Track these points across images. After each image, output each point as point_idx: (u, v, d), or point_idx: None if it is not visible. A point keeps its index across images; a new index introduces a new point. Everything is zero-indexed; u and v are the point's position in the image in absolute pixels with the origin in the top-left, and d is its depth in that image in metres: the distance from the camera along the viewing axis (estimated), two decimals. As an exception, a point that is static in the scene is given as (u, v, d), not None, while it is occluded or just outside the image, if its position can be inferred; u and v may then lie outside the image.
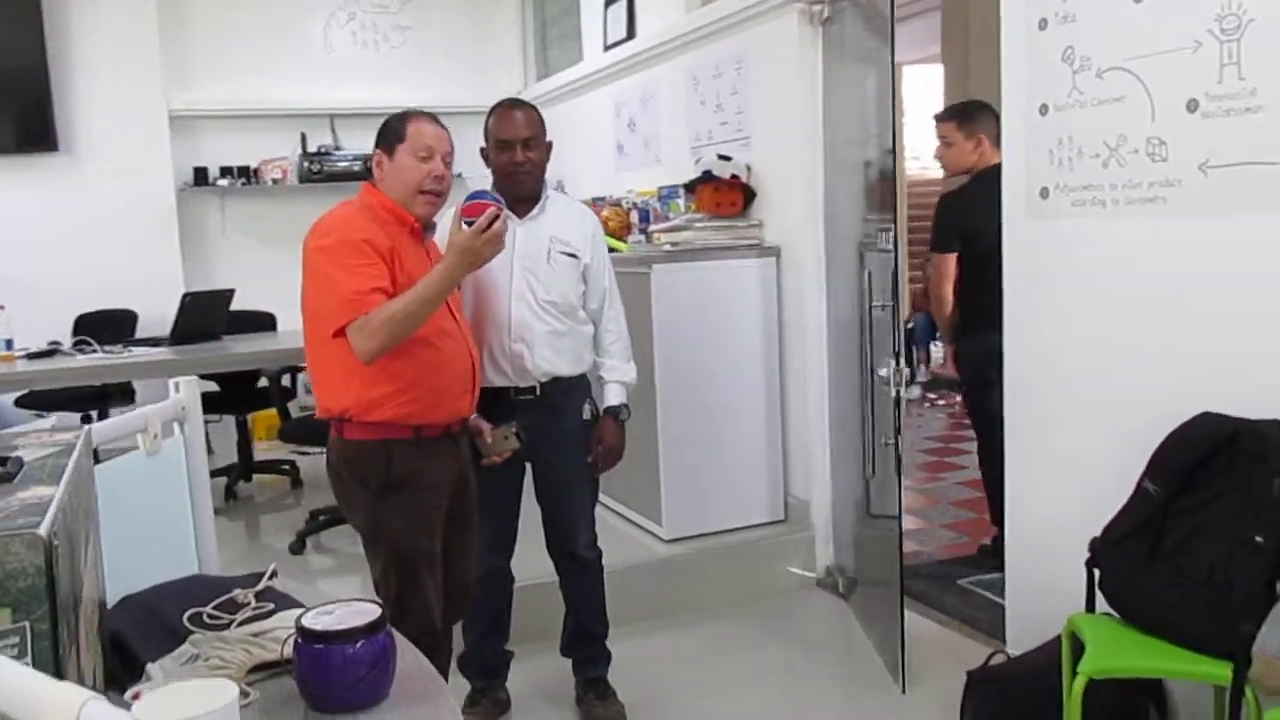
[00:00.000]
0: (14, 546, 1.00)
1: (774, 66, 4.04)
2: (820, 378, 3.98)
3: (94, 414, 5.02)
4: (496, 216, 2.32)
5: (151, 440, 1.97)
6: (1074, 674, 2.27)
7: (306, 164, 6.15)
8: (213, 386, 4.99)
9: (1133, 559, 2.36)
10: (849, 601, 3.83)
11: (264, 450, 5.97)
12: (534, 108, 2.82)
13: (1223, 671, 2.10)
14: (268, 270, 6.12)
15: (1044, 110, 2.80)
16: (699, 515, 4.02)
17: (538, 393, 2.74)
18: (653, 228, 4.32)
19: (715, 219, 4.14)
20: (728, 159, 4.16)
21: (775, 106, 4.06)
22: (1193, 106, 2.40)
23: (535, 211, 2.77)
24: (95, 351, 4.53)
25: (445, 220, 2.55)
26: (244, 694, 1.45)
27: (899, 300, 3.10)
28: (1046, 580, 2.88)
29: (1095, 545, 2.47)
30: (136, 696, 1.26)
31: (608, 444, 2.86)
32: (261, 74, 6.26)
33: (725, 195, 4.13)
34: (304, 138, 6.35)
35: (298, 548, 4.30)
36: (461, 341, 2.47)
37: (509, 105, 2.77)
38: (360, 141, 6.45)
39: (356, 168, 6.22)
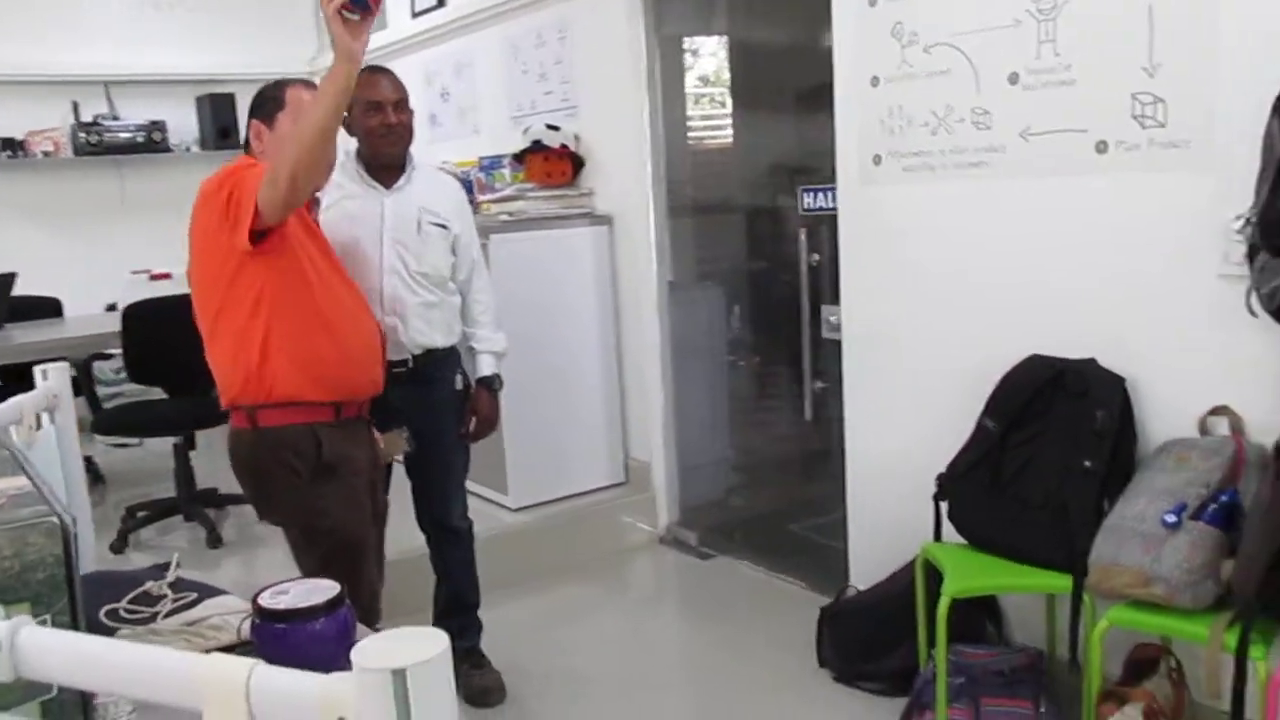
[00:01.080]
0: (32, 537, 0.95)
1: (600, 36, 4.09)
2: (655, 342, 4.10)
3: None
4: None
5: (27, 432, 1.83)
6: (935, 596, 2.49)
7: (83, 135, 5.69)
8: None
9: (977, 490, 2.61)
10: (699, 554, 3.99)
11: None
12: (395, 74, 2.77)
13: (1064, 583, 2.37)
14: (45, 251, 5.67)
15: (875, 82, 3.00)
16: (544, 483, 4.07)
17: (410, 365, 2.71)
18: (483, 198, 4.30)
19: (546, 188, 4.17)
20: (556, 129, 4.19)
21: (603, 76, 4.12)
22: (1014, 79, 2.65)
23: (402, 182, 2.72)
24: None
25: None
26: None
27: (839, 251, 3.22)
28: (887, 520, 3.12)
29: (942, 480, 2.70)
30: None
31: (483, 414, 2.87)
32: (24, 36, 5.72)
33: (555, 165, 4.16)
34: (76, 106, 5.87)
35: (119, 546, 4.04)
36: (365, 311, 2.42)
37: (373, 70, 2.70)
38: (141, 110, 6.04)
39: (140, 139, 5.82)
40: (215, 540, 4.11)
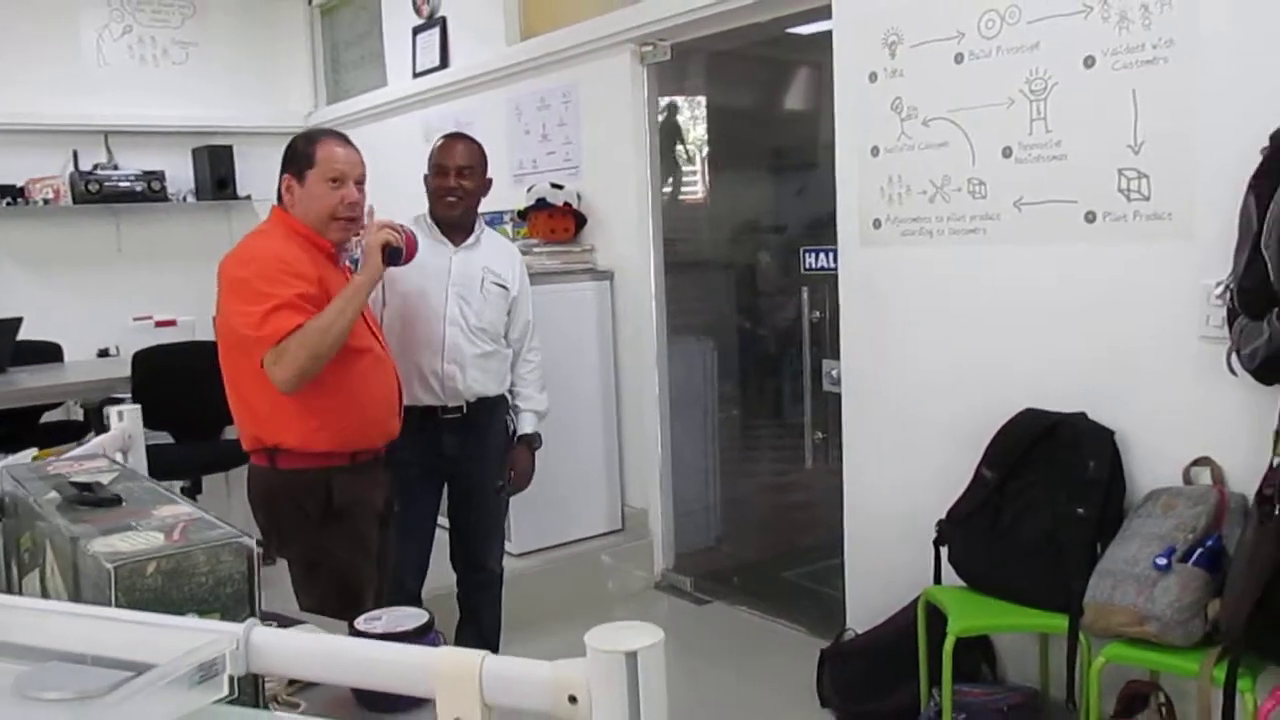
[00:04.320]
0: (224, 555, 1.07)
1: (604, 100, 4.29)
2: (654, 393, 4.25)
3: None
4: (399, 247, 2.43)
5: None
6: (937, 636, 2.64)
7: (83, 184, 5.78)
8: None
9: (977, 535, 2.77)
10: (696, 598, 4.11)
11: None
12: (478, 143, 2.94)
13: (1061, 622, 2.53)
14: (44, 297, 5.73)
15: (875, 152, 3.21)
16: (545, 529, 4.18)
17: (465, 411, 2.85)
18: (487, 253, 4.44)
19: (549, 244, 4.33)
20: (560, 187, 4.37)
21: (605, 138, 4.31)
22: (1007, 153, 2.86)
23: (471, 241, 2.89)
24: None
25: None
26: (293, 704, 1.52)
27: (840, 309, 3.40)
28: (884, 565, 3.27)
29: (942, 526, 2.86)
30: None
31: (520, 469, 3.02)
32: (26, 86, 5.82)
33: (559, 221, 4.33)
34: (76, 155, 5.96)
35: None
36: (387, 364, 2.53)
37: (453, 136, 2.90)
38: (138, 160, 6.13)
39: (139, 188, 5.91)
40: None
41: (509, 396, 3.07)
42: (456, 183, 2.85)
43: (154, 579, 1.04)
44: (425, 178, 2.92)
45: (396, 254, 2.44)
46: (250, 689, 1.11)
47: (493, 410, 2.95)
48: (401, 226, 2.48)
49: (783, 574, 4.26)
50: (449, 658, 0.81)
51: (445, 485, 2.97)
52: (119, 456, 2.06)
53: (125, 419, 2.07)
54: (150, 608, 1.03)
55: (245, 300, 2.29)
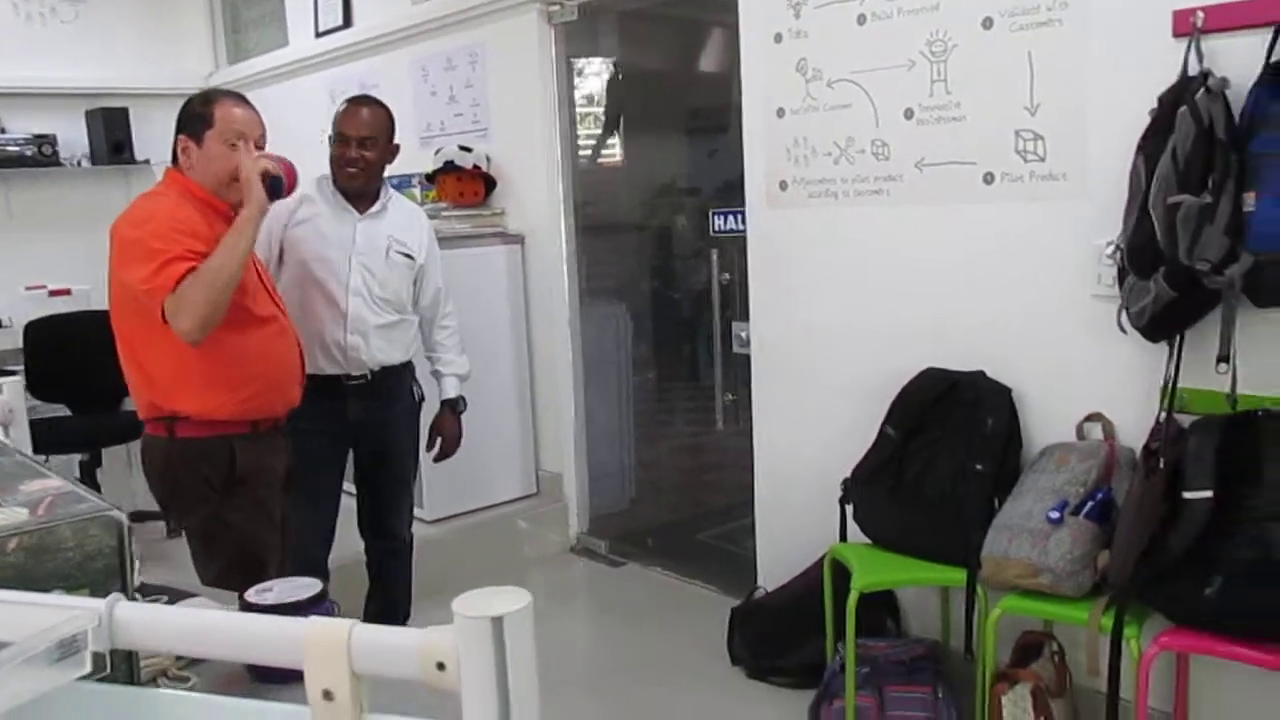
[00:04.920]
0: (92, 529, 1.04)
1: (511, 61, 4.22)
2: (567, 357, 4.23)
3: None
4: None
5: (-16, 444, 1.86)
6: (842, 593, 2.69)
7: (-34, 148, 5.53)
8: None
9: (880, 493, 2.83)
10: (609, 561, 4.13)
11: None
12: (384, 109, 2.85)
13: (960, 576, 2.59)
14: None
15: (780, 113, 3.22)
16: (458, 495, 4.15)
17: (369, 379, 2.80)
18: (395, 217, 4.36)
19: (459, 208, 4.27)
20: (468, 150, 4.30)
21: (514, 100, 4.25)
22: (909, 114, 2.89)
23: (376, 209, 2.82)
24: None
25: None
26: (182, 679, 1.49)
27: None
28: (793, 524, 3.32)
29: (847, 484, 2.91)
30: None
31: (448, 434, 2.99)
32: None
33: (468, 185, 4.27)
34: (-41, 118, 5.69)
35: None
36: (289, 332, 2.49)
37: (357, 101, 2.81)
38: (27, 123, 5.87)
39: (29, 152, 5.67)
40: (122, 559, 4.07)
41: (428, 363, 3.03)
42: (358, 153, 2.76)
43: (15, 555, 1.00)
44: (330, 138, 2.83)
45: (278, 184, 2.34)
46: (125, 665, 1.08)
47: (399, 376, 2.91)
48: (280, 158, 2.37)
49: (697, 535, 4.30)
50: (316, 628, 0.80)
51: (350, 452, 2.92)
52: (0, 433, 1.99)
53: (5, 391, 1.99)
54: (12, 585, 1.00)
55: (139, 259, 2.23)
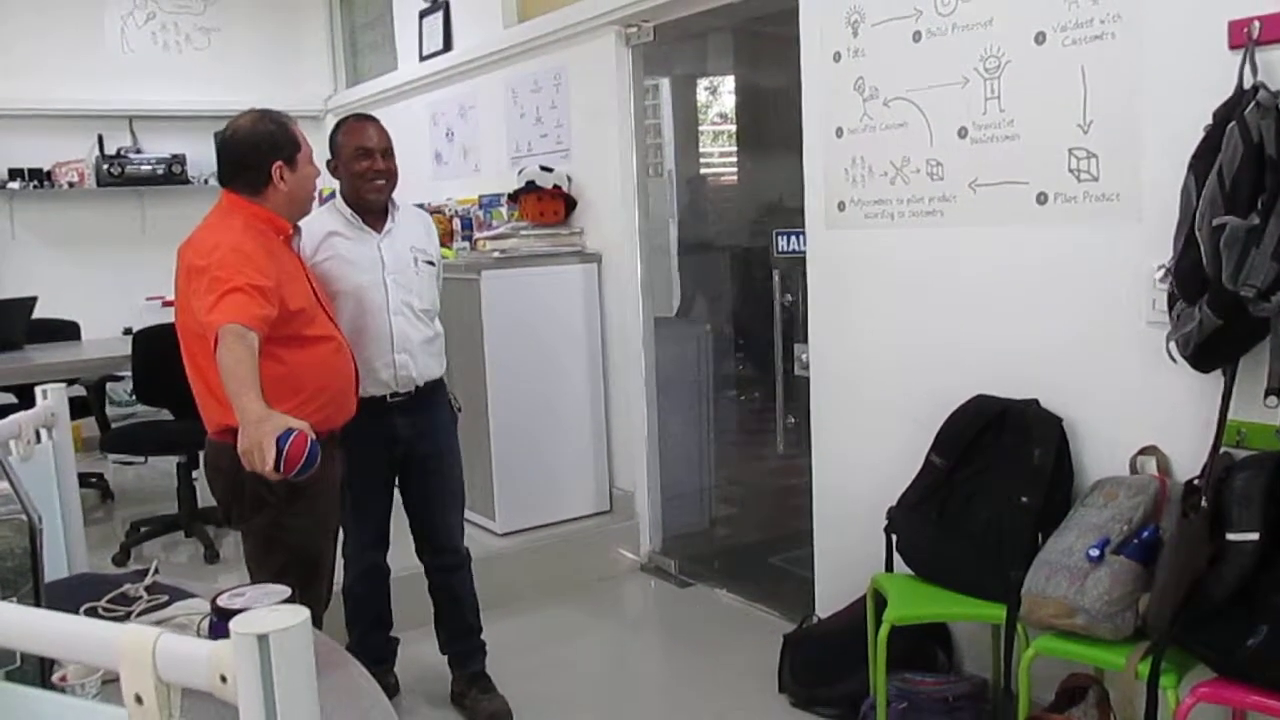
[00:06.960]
0: (3, 530, 1.11)
1: (591, 83, 4.29)
2: (640, 375, 4.25)
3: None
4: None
5: (25, 446, 2.01)
6: (879, 624, 2.62)
7: (106, 167, 5.95)
8: (10, 399, 4.78)
9: (923, 522, 2.74)
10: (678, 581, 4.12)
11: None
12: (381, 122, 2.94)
13: (998, 612, 2.49)
14: (66, 276, 5.92)
15: (839, 133, 3.17)
16: (530, 509, 4.21)
17: (414, 393, 2.87)
18: (478, 235, 4.49)
19: (539, 227, 4.35)
20: (550, 170, 4.38)
21: (593, 121, 4.30)
22: (963, 133, 2.81)
23: (390, 224, 2.87)
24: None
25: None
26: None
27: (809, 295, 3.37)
28: (849, 551, 3.25)
29: (892, 513, 2.83)
30: (63, 678, 1.37)
31: None
32: (53, 73, 6.00)
33: (548, 204, 4.35)
34: (101, 139, 6.12)
35: (121, 559, 4.21)
36: (346, 351, 2.59)
37: (361, 118, 2.87)
38: (161, 144, 6.29)
39: (160, 171, 6.07)
40: (213, 556, 4.28)
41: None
42: (385, 164, 2.82)
43: (-79, 556, 1.08)
44: (330, 164, 2.82)
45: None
46: (35, 665, 1.15)
47: (440, 389, 2.97)
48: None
49: (768, 559, 4.24)
50: (127, 635, 0.83)
51: (399, 469, 2.96)
52: (42, 434, 2.13)
53: (50, 398, 2.14)
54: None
55: (203, 289, 2.34)
